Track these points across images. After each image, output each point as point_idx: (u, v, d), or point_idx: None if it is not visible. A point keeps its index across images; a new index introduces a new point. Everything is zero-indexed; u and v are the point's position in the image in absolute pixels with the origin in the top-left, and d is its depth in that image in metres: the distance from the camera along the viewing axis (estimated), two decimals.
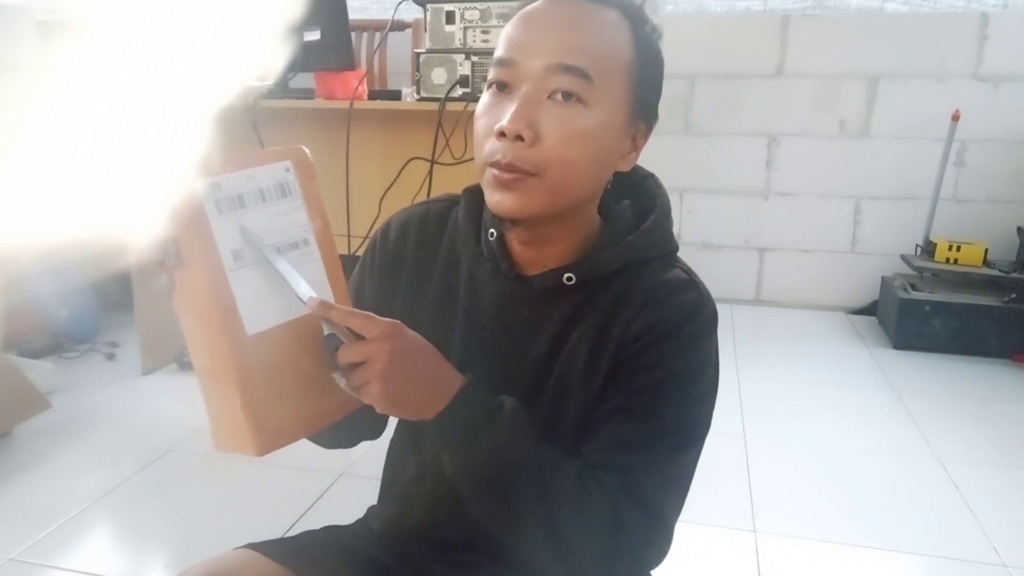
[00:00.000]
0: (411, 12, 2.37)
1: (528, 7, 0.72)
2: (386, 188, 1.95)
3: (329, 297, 0.67)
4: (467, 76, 1.93)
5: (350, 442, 0.84)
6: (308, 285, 0.62)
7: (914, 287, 2.97)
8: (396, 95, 2.21)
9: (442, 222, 0.84)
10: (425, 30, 1.98)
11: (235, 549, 0.81)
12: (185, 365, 2.48)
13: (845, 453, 2.07)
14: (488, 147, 0.69)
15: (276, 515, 1.68)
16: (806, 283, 3.38)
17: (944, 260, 2.93)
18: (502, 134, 0.67)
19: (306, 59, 2.01)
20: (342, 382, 0.63)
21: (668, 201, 0.81)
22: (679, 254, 0.79)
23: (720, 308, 0.78)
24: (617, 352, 0.73)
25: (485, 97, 0.72)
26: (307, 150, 0.67)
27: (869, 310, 3.28)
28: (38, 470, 1.88)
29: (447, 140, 1.94)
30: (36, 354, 2.52)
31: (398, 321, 0.63)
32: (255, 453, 0.62)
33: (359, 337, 0.62)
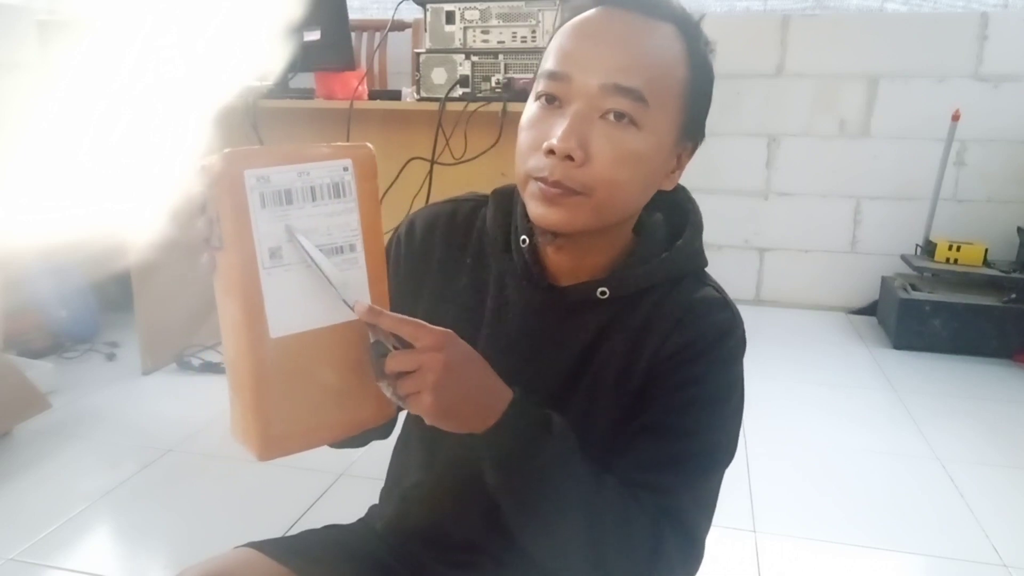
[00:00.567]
0: (411, 12, 2.37)
1: (582, 17, 0.69)
2: (386, 188, 1.95)
3: None
4: (467, 76, 1.93)
5: (360, 443, 0.84)
6: (350, 290, 0.60)
7: (914, 287, 2.97)
8: (396, 95, 2.20)
9: (470, 222, 0.82)
10: (425, 30, 1.98)
11: (235, 548, 0.81)
12: (185, 365, 2.48)
13: (845, 453, 2.07)
14: (534, 161, 0.68)
15: (276, 515, 1.68)
16: (806, 283, 3.38)
17: (944, 260, 2.93)
18: (551, 151, 0.66)
19: (306, 59, 2.01)
20: (388, 391, 0.61)
21: (700, 216, 0.80)
22: None
23: None
24: (650, 369, 0.73)
25: (533, 108, 0.70)
26: (373, 149, 0.63)
27: (869, 310, 3.28)
28: (38, 470, 1.88)
29: (447, 140, 1.94)
30: (36, 354, 2.51)
31: (450, 330, 0.62)
32: (257, 457, 0.61)
33: (407, 345, 0.60)
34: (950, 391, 2.51)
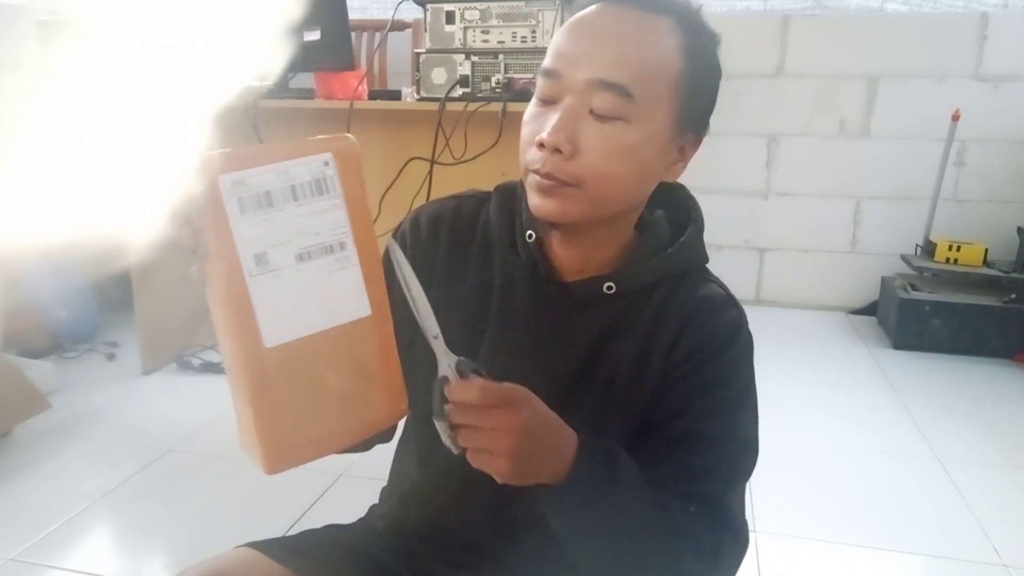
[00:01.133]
0: (411, 12, 2.37)
1: (579, 14, 0.71)
2: (386, 188, 1.95)
3: (365, 306, 0.61)
4: (467, 76, 1.93)
5: (365, 447, 0.84)
6: (433, 319, 0.58)
7: (914, 287, 2.97)
8: (396, 95, 2.20)
9: (474, 218, 0.83)
10: (425, 30, 1.98)
11: (235, 548, 0.81)
12: (185, 365, 2.48)
13: (845, 453, 2.07)
14: (530, 155, 0.71)
15: (276, 515, 1.68)
16: (806, 283, 3.38)
17: (944, 260, 2.93)
18: (542, 145, 0.68)
19: (306, 59, 2.01)
20: (445, 434, 0.59)
21: (701, 214, 0.81)
22: None
23: None
24: (664, 369, 0.74)
25: (532, 105, 0.73)
26: (355, 140, 0.60)
27: (869, 310, 3.28)
28: (38, 470, 1.88)
29: (447, 140, 1.94)
30: (36, 354, 2.52)
31: (525, 388, 0.61)
32: (264, 471, 0.58)
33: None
34: (950, 391, 2.51)
